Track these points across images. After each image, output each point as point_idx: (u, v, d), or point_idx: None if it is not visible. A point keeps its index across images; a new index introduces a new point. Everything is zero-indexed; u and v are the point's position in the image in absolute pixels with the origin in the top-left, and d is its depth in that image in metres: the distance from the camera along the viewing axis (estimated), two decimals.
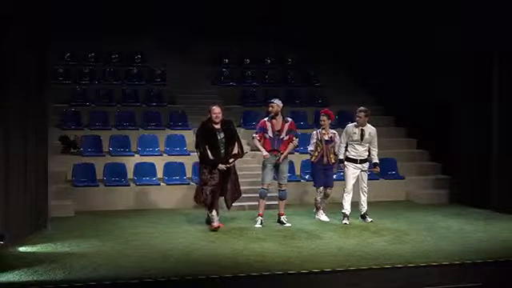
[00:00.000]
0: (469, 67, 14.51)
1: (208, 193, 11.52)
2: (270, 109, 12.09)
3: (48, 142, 11.90)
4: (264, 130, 12.08)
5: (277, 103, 12.13)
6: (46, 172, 11.66)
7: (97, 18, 17.81)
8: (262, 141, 12.07)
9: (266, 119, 12.22)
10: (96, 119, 15.86)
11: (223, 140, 11.61)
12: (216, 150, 11.53)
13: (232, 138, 11.73)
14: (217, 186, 11.55)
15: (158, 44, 18.48)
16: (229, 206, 11.96)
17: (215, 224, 11.64)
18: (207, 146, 11.50)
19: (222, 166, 11.51)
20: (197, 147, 11.71)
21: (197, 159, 14.44)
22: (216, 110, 11.68)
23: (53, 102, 13.63)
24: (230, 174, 11.72)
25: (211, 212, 11.66)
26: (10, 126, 10.24)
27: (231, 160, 11.70)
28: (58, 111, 15.41)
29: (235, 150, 11.74)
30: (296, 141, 12.26)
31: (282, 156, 12.03)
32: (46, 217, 11.66)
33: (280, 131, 12.09)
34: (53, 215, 12.05)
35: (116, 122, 15.91)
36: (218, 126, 11.63)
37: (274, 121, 12.11)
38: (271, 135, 12.06)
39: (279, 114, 12.10)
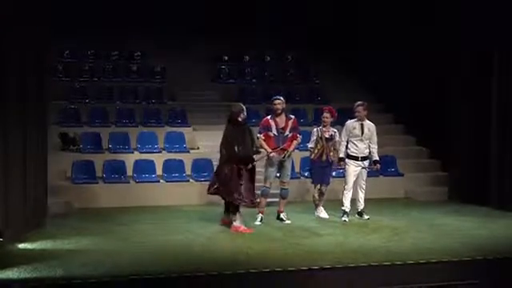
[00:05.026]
0: (469, 66, 14.51)
1: (246, 191, 11.35)
2: (278, 106, 12.01)
3: (47, 140, 11.90)
4: (268, 129, 12.03)
5: (283, 100, 12.10)
6: (45, 169, 11.66)
7: (96, 15, 17.78)
8: (266, 139, 12.01)
9: (269, 117, 12.16)
10: (95, 116, 15.85)
11: (249, 139, 11.52)
12: (246, 149, 11.38)
13: (253, 137, 11.66)
14: (242, 184, 11.39)
15: (157, 41, 18.45)
16: (256, 204, 11.76)
17: (242, 227, 11.44)
18: (239, 145, 11.32)
19: (250, 165, 11.41)
20: (224, 147, 11.40)
21: (196, 156, 14.64)
22: (244, 112, 11.57)
23: (52, 99, 13.61)
24: (254, 172, 11.60)
25: (237, 214, 11.45)
26: (9, 125, 10.22)
27: (257, 158, 11.64)
28: (57, 108, 15.41)
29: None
30: (299, 138, 12.23)
31: (287, 154, 12.00)
32: (45, 214, 11.66)
33: (284, 128, 12.05)
34: (52, 212, 12.06)
35: (115, 119, 15.92)
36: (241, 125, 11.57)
37: (277, 118, 12.07)
38: (276, 133, 12.02)
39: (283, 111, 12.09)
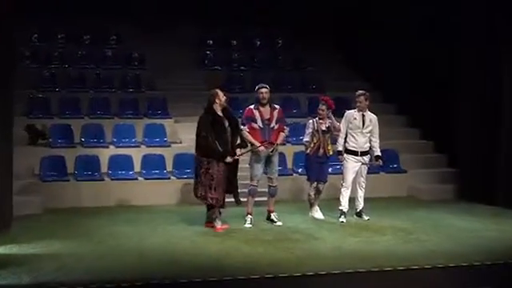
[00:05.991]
0: (478, 56, 14.53)
1: (215, 189, 11.38)
2: (265, 95, 11.98)
3: (13, 134, 11.83)
4: (252, 120, 11.99)
5: (269, 88, 12.06)
6: (10, 166, 11.59)
7: None
8: (251, 132, 11.96)
9: (252, 107, 12.13)
10: (66, 107, 15.76)
11: (228, 129, 11.52)
12: (223, 140, 11.41)
13: (236, 127, 11.66)
14: (222, 181, 11.44)
15: (135, 24, 18.35)
16: (239, 201, 11.84)
17: (221, 226, 11.59)
18: (214, 136, 11.35)
19: (230, 159, 11.42)
20: (199, 136, 11.48)
21: (178, 151, 14.60)
22: (222, 94, 11.59)
23: (18, 87, 13.50)
24: (236, 168, 11.65)
25: (217, 212, 11.59)
26: None
27: (239, 151, 11.68)
28: (24, 98, 15.29)
29: (238, 140, 11.70)
30: (286, 130, 12.20)
31: (275, 147, 11.96)
32: (10, 215, 11.58)
33: (269, 120, 12.02)
34: (18, 213, 11.98)
35: (89, 109, 15.82)
36: (221, 114, 11.53)
37: (262, 109, 12.02)
38: (261, 125, 11.98)
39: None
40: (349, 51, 18.88)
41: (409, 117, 17.21)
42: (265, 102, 12.01)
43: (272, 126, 12.02)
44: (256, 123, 11.97)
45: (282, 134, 12.15)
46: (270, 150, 11.96)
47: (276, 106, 12.24)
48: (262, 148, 11.87)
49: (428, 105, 16.15)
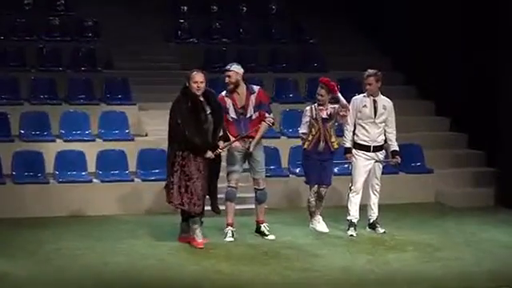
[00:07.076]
0: None
1: (192, 192, 11.35)
2: (227, 79, 11.96)
3: None
4: (225, 110, 11.96)
5: (235, 70, 11.98)
6: None
7: None
8: (226, 125, 11.92)
9: (223, 94, 12.09)
10: (1, 89, 15.75)
11: (210, 117, 11.53)
12: (202, 130, 11.42)
13: (220, 116, 11.65)
14: (202, 181, 11.45)
15: None
16: (218, 210, 11.81)
17: (202, 240, 11.57)
18: (192, 125, 11.35)
19: (211, 154, 11.40)
20: (172, 125, 11.46)
21: (143, 146, 14.58)
22: (198, 77, 11.53)
23: None
24: (218, 165, 11.71)
25: (198, 222, 11.58)
26: None
27: (222, 145, 11.65)
28: None
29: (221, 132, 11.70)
30: (270, 117, 12.12)
31: (253, 143, 11.92)
32: None
33: (245, 107, 11.98)
34: None
35: (30, 93, 15.85)
36: (202, 99, 11.52)
37: (235, 95, 11.98)
38: (234, 115, 11.95)
39: (240, 83, 11.97)
40: (359, 19, 18.90)
41: (436, 102, 17.25)
42: (230, 87, 11.96)
43: (249, 115, 11.98)
44: (228, 113, 11.94)
45: (264, 125, 12.06)
46: (247, 147, 11.95)
47: (254, 87, 12.13)
48: (235, 144, 11.85)
49: (459, 87, 16.18)
